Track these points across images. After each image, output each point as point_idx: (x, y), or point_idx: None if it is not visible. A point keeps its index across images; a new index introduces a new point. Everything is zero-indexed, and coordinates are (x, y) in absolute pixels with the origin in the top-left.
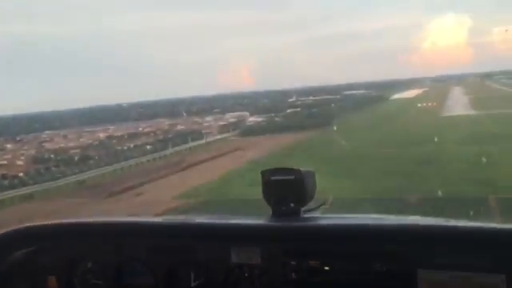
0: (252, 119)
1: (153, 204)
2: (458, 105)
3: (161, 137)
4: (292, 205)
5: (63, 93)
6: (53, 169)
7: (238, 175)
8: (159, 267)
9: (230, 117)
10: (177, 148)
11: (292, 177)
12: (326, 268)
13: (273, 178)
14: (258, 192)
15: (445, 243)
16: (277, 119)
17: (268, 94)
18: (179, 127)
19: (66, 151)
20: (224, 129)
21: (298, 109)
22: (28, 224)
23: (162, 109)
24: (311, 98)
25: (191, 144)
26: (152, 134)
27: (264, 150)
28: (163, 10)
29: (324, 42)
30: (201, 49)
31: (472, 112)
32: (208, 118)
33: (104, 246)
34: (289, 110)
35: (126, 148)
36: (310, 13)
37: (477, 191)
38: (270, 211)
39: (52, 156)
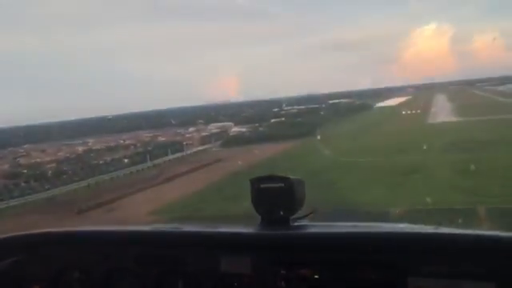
0: (235, 129)
1: (124, 222)
2: (443, 112)
3: (140, 149)
4: (281, 213)
5: (50, 106)
6: (22, 184)
7: (217, 189)
8: (148, 276)
9: (214, 127)
10: (156, 161)
11: (281, 185)
12: (316, 277)
13: (262, 185)
14: (236, 207)
15: (434, 251)
16: (261, 129)
17: (254, 104)
18: (160, 139)
19: (41, 166)
20: (206, 140)
21: (283, 118)
22: (14, 233)
23: (147, 120)
24: (296, 107)
25: (171, 156)
26: (132, 147)
27: (245, 161)
28: (149, 22)
29: (309, 53)
30: (187, 60)
31: (457, 119)
32: (191, 129)
33: (92, 255)
34: (273, 120)
35: (102, 162)
36: (295, 24)
37: (465, 201)
38: (259, 219)
39: (25, 171)
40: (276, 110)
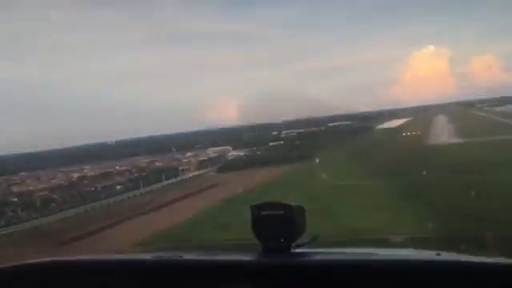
0: (233, 153)
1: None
2: (444, 133)
3: (135, 175)
4: (282, 240)
5: (51, 133)
6: (10, 213)
7: (209, 217)
8: None
9: (212, 152)
10: (149, 187)
11: (282, 212)
12: None
13: (263, 213)
14: (229, 235)
15: (436, 278)
16: (259, 153)
17: (254, 128)
18: (157, 164)
19: (32, 194)
20: (202, 164)
21: (282, 142)
22: (12, 263)
23: (147, 146)
24: (295, 130)
25: (165, 182)
26: (127, 173)
27: (241, 186)
28: (148, 48)
29: (310, 76)
30: (187, 86)
31: (458, 140)
32: (189, 154)
33: (91, 284)
34: (272, 143)
35: (94, 189)
36: (295, 48)
37: (470, 227)
38: (259, 246)
39: (15, 199)
40: (275, 133)
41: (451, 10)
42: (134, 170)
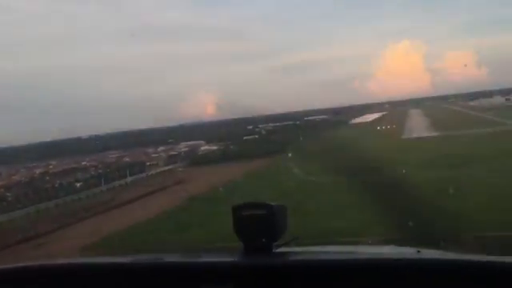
0: (205, 148)
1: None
2: (419, 126)
3: (100, 171)
4: (264, 240)
5: (23, 128)
6: None
7: (168, 217)
8: None
9: (184, 146)
10: (111, 184)
11: (263, 212)
12: None
13: (244, 213)
14: (191, 237)
15: (416, 276)
16: (232, 147)
17: (232, 123)
18: (126, 160)
19: None
20: (172, 159)
21: (256, 136)
22: None
23: (121, 140)
24: (271, 124)
25: (130, 178)
26: (93, 169)
27: (207, 182)
28: (123, 42)
29: (286, 71)
30: (163, 79)
31: (433, 133)
32: (161, 148)
33: None
34: (246, 138)
35: (52, 186)
36: (271, 44)
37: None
38: (241, 246)
39: None
40: (250, 127)
41: (425, 5)
42: (100, 166)
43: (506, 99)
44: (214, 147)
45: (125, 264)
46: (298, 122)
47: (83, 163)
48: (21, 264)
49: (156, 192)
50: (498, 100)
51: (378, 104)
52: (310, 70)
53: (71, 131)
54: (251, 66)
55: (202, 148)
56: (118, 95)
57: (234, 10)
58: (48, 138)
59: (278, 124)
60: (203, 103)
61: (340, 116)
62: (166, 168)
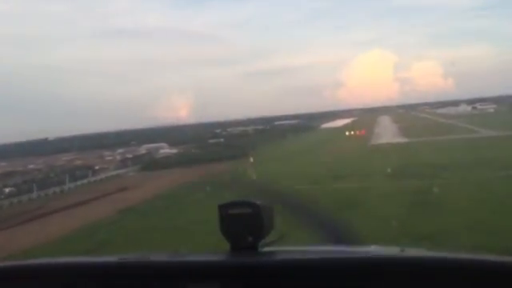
0: (165, 151)
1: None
2: (387, 132)
3: (39, 176)
4: (250, 239)
5: None
6: None
7: (89, 234)
8: None
9: (144, 149)
10: (46, 191)
11: (249, 210)
12: None
13: (230, 211)
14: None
15: (401, 274)
16: (194, 150)
17: (203, 126)
18: (77, 162)
19: None
20: (124, 163)
21: (221, 139)
22: None
23: (85, 142)
24: (240, 128)
25: (69, 185)
26: (36, 172)
27: (154, 189)
28: (96, 44)
29: (260, 77)
30: (137, 82)
31: (402, 140)
32: (120, 151)
33: None
34: (211, 141)
35: None
36: (244, 49)
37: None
38: (228, 246)
39: None
40: (218, 131)
41: (395, 17)
42: (45, 169)
43: (473, 107)
44: (174, 150)
45: (111, 263)
46: (267, 127)
47: (30, 166)
48: (1, 264)
49: (91, 201)
50: (465, 108)
51: (350, 110)
52: (283, 77)
53: (39, 132)
54: (226, 70)
55: (162, 151)
56: (92, 97)
57: (209, 15)
58: (15, 139)
59: (246, 128)
60: (177, 106)
61: (311, 121)
62: (115, 173)
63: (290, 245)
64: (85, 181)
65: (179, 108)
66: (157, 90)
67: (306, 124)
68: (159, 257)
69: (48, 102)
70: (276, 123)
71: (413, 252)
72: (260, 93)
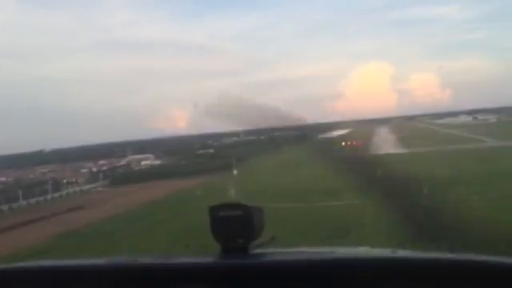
0: (147, 162)
1: None
2: (385, 143)
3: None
4: (240, 241)
5: None
6: None
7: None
8: None
9: (126, 161)
10: None
11: (240, 212)
12: None
13: (221, 213)
14: None
15: (393, 275)
16: (178, 162)
17: (201, 137)
18: (50, 175)
19: None
20: (96, 177)
21: (211, 150)
22: None
23: (81, 153)
24: (234, 138)
25: (21, 202)
26: (1, 185)
27: (112, 208)
28: (95, 55)
29: (258, 88)
30: (137, 94)
31: (400, 150)
32: (101, 162)
33: None
34: (200, 152)
35: None
36: (244, 60)
37: None
38: (218, 247)
39: None
40: (210, 141)
41: (393, 29)
42: (11, 183)
43: (473, 118)
44: (158, 162)
45: (98, 266)
46: (262, 137)
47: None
48: None
49: (30, 223)
50: (465, 119)
51: (347, 122)
52: (282, 88)
53: (36, 144)
54: (225, 82)
55: (143, 162)
56: (92, 108)
57: (209, 27)
58: (11, 151)
59: (239, 139)
60: (177, 117)
61: (309, 131)
62: (82, 188)
63: (281, 246)
64: (41, 198)
65: (178, 119)
66: (157, 101)
67: (303, 134)
68: (148, 259)
69: (46, 113)
70: (273, 134)
71: (404, 253)
72: (259, 104)
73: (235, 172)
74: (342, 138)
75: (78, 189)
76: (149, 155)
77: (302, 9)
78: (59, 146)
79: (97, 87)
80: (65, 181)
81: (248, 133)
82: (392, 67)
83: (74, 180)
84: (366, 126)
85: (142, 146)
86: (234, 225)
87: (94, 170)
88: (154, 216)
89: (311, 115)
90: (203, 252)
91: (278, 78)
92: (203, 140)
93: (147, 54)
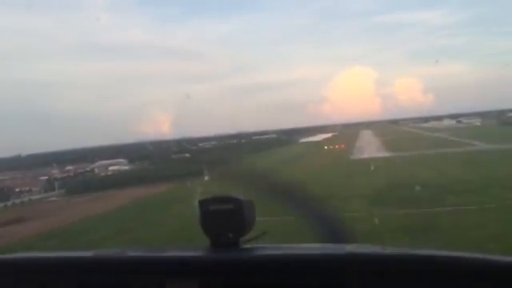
0: (114, 168)
1: None
2: (369, 146)
3: None
4: (231, 235)
5: None
6: None
7: None
8: None
9: (97, 166)
10: None
11: (231, 206)
12: None
13: (211, 207)
14: None
15: (383, 272)
16: (151, 166)
17: (182, 141)
18: (7, 183)
19: None
20: (50, 185)
21: (186, 154)
22: None
23: (55, 158)
24: (213, 142)
25: None
26: None
27: (57, 221)
28: (78, 58)
29: (242, 92)
30: (120, 97)
31: (385, 154)
32: (68, 168)
33: (28, 284)
34: (174, 156)
35: None
36: (228, 64)
37: None
38: (208, 242)
39: None
40: (188, 145)
41: (375, 34)
42: None
43: (457, 121)
44: (127, 167)
45: (86, 258)
46: (243, 141)
47: None
48: None
49: None
50: (449, 122)
51: (331, 126)
52: (265, 92)
53: (16, 149)
54: (207, 86)
55: (111, 168)
56: (72, 112)
57: (193, 30)
58: None
59: (220, 143)
60: (158, 122)
61: (291, 135)
62: (35, 197)
63: (272, 241)
64: None
65: (160, 123)
66: (138, 106)
67: (284, 138)
68: (137, 252)
69: (26, 117)
70: (254, 138)
71: (394, 250)
72: (242, 108)
73: (206, 178)
74: (323, 142)
75: (28, 198)
76: (120, 160)
77: (286, 14)
78: (39, 150)
79: (79, 91)
80: (17, 189)
81: (230, 137)
82: (376, 72)
83: (27, 188)
84: (350, 130)
85: (120, 151)
86: (225, 219)
87: (58, 176)
88: (96, 233)
89: (294, 119)
90: (193, 246)
91: (262, 82)
92: (186, 144)
93: (130, 58)
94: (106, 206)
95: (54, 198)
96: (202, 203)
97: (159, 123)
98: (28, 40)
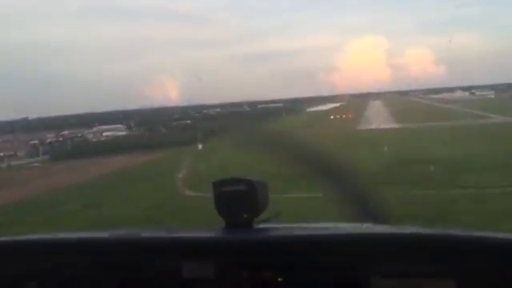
0: (108, 133)
1: None
2: (378, 117)
3: None
4: (245, 216)
5: None
6: None
7: None
8: (106, 285)
9: (93, 131)
10: None
11: (244, 187)
12: (280, 279)
13: (224, 188)
14: None
15: (395, 251)
16: (146, 133)
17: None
18: None
19: None
20: (35, 150)
21: (188, 121)
22: None
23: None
24: (217, 109)
25: None
26: None
27: (31, 190)
28: (84, 22)
29: (251, 60)
30: (125, 62)
31: (394, 125)
32: (64, 133)
33: (45, 264)
34: (175, 123)
35: None
36: (235, 31)
37: None
38: (222, 223)
39: None
40: (193, 112)
41: (388, 2)
42: None
43: (470, 93)
44: (122, 133)
45: (101, 239)
46: (248, 109)
47: None
48: None
49: None
50: (462, 94)
51: (340, 96)
52: (274, 61)
53: (24, 112)
54: (217, 52)
55: (105, 134)
56: (80, 76)
57: None
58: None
59: (224, 110)
60: (166, 88)
61: (298, 105)
62: (17, 162)
63: (286, 222)
64: None
65: (168, 89)
66: (145, 71)
67: (291, 107)
68: (152, 233)
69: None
70: (259, 106)
71: (406, 229)
72: (250, 76)
73: (200, 147)
74: (331, 111)
75: (7, 164)
76: (118, 126)
77: None
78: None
79: (84, 55)
80: (1, 154)
81: (236, 105)
82: (387, 42)
83: (12, 153)
84: (359, 100)
85: (127, 116)
86: (238, 200)
87: (48, 141)
88: (65, 205)
89: (304, 89)
90: (207, 227)
91: (271, 50)
92: (191, 110)
93: (138, 22)
94: (84, 175)
95: (35, 165)
96: (215, 185)
97: (167, 89)
98: (34, 1)
